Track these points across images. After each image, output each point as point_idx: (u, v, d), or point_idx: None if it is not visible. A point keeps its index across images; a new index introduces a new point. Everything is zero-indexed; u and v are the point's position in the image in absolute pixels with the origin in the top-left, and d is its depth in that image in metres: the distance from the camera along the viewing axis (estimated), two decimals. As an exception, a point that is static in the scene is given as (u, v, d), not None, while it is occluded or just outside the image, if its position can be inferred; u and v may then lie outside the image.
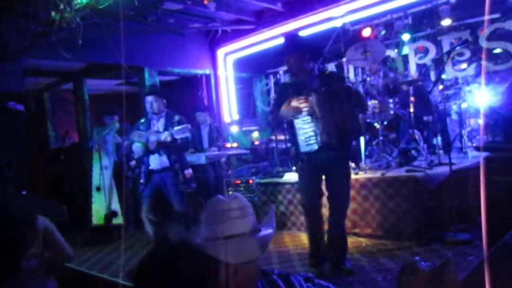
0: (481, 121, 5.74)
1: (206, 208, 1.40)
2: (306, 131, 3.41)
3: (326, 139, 3.30)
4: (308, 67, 3.45)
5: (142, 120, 4.71)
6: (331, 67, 8.10)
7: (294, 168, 5.18)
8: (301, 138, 3.45)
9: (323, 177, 3.58)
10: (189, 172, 4.62)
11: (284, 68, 5.90)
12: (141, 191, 4.59)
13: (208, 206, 1.40)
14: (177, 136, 4.31)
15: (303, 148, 3.45)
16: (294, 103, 3.37)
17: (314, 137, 3.38)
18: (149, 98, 4.56)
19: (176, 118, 4.54)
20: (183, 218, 4.39)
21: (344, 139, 3.38)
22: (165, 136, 4.32)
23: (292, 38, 3.78)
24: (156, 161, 4.50)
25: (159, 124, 4.58)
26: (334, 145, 3.33)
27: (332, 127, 3.30)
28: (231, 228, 1.33)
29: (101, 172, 5.80)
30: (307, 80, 3.47)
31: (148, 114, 4.67)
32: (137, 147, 4.47)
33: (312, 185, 3.54)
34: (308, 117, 3.38)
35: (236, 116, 8.65)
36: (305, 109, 3.36)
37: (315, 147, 3.38)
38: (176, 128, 4.32)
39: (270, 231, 1.42)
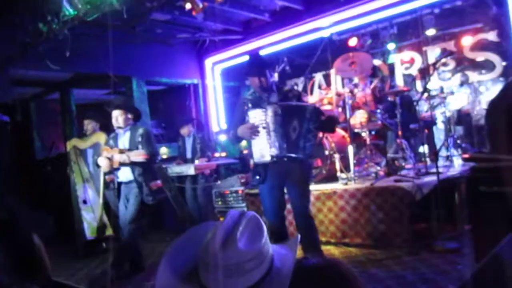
0: (465, 130, 5.85)
1: None
2: (260, 142, 3.49)
3: (277, 152, 3.42)
4: (267, 84, 3.58)
5: (112, 135, 4.70)
6: (318, 76, 8.18)
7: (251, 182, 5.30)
8: (255, 148, 3.53)
9: (285, 189, 3.65)
10: (155, 184, 4.78)
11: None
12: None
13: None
14: (133, 159, 4.43)
15: (257, 159, 3.55)
16: (251, 114, 3.49)
17: (267, 149, 3.46)
18: (114, 113, 4.52)
19: (140, 131, 4.54)
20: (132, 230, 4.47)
21: (296, 153, 3.48)
22: (123, 159, 4.43)
23: (254, 57, 3.96)
24: (123, 174, 4.55)
25: (124, 139, 4.57)
26: (287, 157, 3.45)
27: (284, 140, 3.42)
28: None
29: (83, 185, 5.70)
30: (266, 96, 3.62)
31: (115, 128, 4.62)
32: (102, 161, 4.54)
33: (275, 200, 3.57)
34: (263, 130, 3.47)
35: (224, 125, 8.65)
36: (261, 122, 3.46)
37: (268, 158, 3.47)
38: (133, 153, 4.44)
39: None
